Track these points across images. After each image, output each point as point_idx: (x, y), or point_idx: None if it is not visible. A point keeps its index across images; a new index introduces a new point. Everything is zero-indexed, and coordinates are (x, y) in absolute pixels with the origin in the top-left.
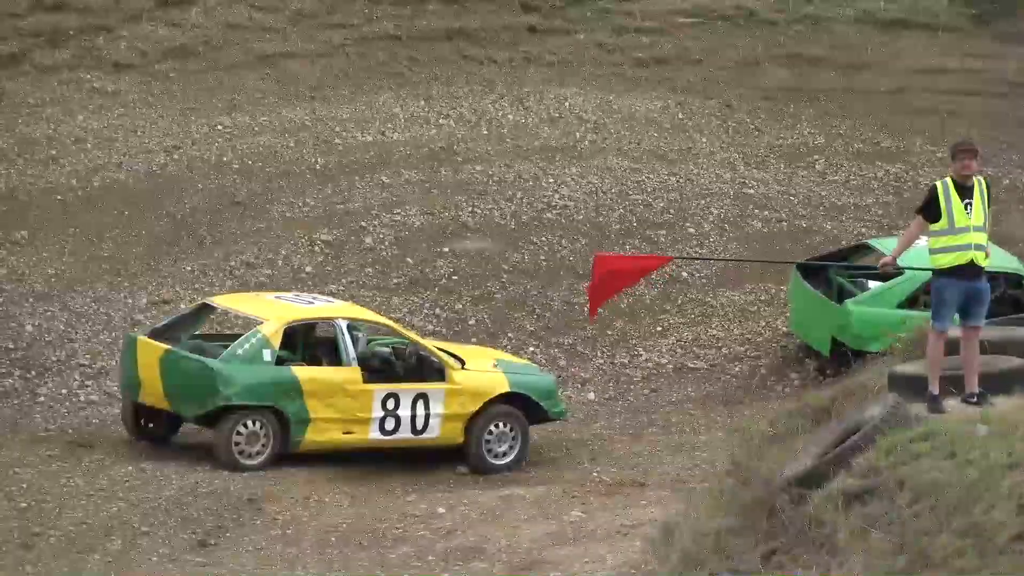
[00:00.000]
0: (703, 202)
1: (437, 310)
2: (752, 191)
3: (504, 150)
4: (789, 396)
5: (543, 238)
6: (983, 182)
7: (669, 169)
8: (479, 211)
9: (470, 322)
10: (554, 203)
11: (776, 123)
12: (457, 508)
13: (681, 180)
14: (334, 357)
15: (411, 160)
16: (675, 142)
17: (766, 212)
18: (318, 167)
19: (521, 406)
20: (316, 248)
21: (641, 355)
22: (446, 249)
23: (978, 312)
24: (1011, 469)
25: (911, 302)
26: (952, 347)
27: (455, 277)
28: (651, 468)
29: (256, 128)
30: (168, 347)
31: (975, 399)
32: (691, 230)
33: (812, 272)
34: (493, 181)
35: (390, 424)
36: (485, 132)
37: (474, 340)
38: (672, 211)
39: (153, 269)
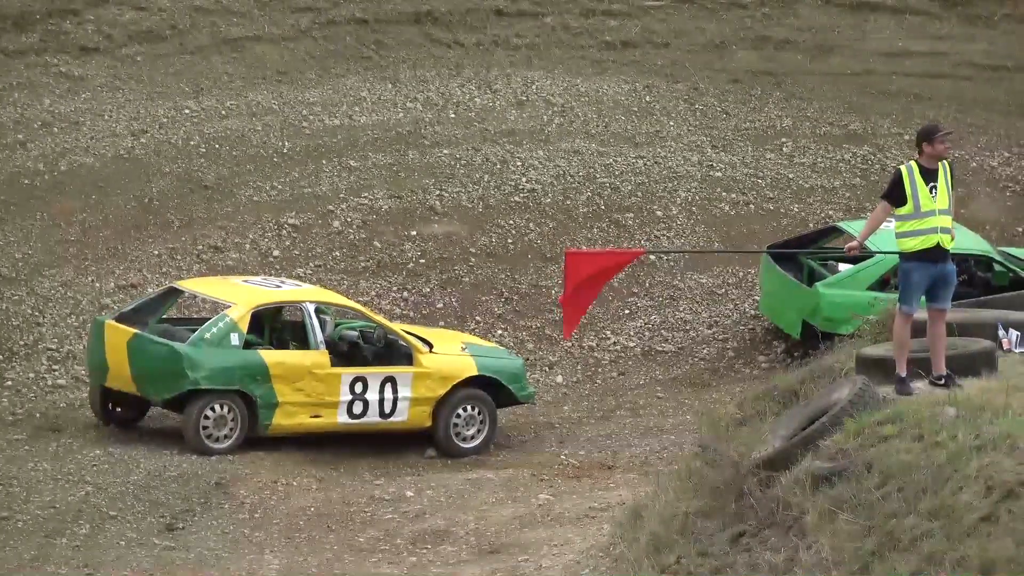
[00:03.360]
0: (671, 185)
1: (405, 293)
2: (720, 174)
3: (471, 133)
4: (757, 379)
5: (511, 221)
6: (947, 165)
7: (636, 152)
8: (447, 194)
9: (438, 305)
10: (521, 186)
11: (743, 106)
12: (425, 491)
13: (648, 163)
14: (302, 341)
15: (378, 143)
16: (642, 125)
17: (733, 195)
18: (285, 151)
19: (489, 389)
20: (284, 232)
21: (609, 338)
22: (414, 232)
23: (945, 294)
24: (978, 451)
25: (881, 284)
26: (919, 329)
27: (423, 260)
28: (619, 451)
29: (223, 112)
30: (136, 331)
31: (942, 381)
32: (659, 213)
33: (782, 255)
34: (461, 164)
35: (358, 408)
36: (452, 115)
37: (442, 323)
38: (640, 194)
39: (120, 253)
